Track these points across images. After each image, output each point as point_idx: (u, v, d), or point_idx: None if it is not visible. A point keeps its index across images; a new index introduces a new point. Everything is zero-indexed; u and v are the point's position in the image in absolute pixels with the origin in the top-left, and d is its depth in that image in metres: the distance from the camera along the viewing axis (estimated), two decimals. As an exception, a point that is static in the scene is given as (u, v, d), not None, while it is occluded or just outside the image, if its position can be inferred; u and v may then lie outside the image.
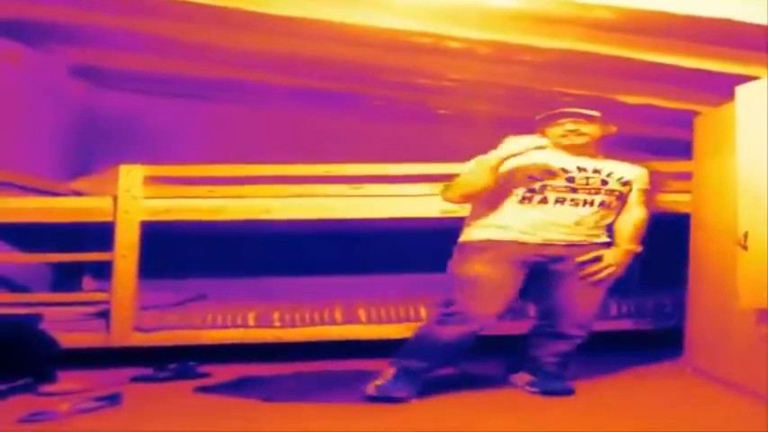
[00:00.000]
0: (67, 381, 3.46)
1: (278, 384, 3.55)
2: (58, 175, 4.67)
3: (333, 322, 4.05)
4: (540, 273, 3.33)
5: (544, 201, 3.26)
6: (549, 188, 3.26)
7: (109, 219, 3.95)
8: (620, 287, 3.44)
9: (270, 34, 3.85)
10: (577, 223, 3.29)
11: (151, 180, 4.05)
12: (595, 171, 3.33)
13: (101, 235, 4.02)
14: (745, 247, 3.05)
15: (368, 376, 3.24)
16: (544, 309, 3.46)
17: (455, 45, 3.62)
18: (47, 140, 4.78)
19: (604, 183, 3.32)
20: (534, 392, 3.28)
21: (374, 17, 3.45)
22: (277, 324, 4.04)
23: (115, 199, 3.95)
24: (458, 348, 3.22)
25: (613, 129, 3.43)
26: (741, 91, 3.15)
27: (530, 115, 3.44)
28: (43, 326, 3.72)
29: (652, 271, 4.71)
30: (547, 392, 3.24)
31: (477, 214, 3.37)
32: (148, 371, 3.77)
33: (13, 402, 3.24)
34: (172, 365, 3.78)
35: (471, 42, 3.57)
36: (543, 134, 3.37)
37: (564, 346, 3.35)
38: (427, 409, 3.04)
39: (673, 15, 2.98)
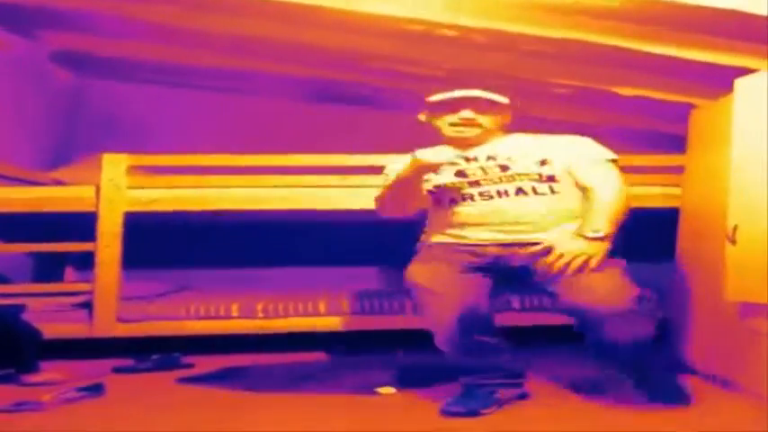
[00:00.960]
0: (50, 371, 3.43)
1: (262, 375, 3.53)
2: (41, 164, 4.62)
3: (317, 313, 4.02)
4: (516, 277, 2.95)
5: (452, 201, 2.95)
6: (445, 187, 2.95)
7: (91, 209, 3.89)
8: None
9: (259, 20, 3.77)
10: (503, 218, 2.87)
11: (135, 169, 4.00)
12: (489, 158, 2.94)
13: (83, 225, 3.96)
14: (733, 241, 3.04)
15: (351, 367, 3.22)
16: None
17: (449, 33, 3.55)
18: (28, 129, 4.70)
19: (505, 168, 2.90)
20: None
21: (365, 3, 3.39)
22: (260, 315, 4.01)
23: (98, 188, 3.90)
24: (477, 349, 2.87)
25: (508, 118, 3.05)
26: (740, 84, 3.12)
27: (522, 106, 3.25)
28: (25, 316, 3.67)
29: (636, 263, 4.73)
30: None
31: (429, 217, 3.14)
32: (131, 362, 3.74)
33: (-5, 392, 3.21)
34: (154, 356, 3.75)
35: (465, 30, 3.49)
36: (431, 120, 3.04)
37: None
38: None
39: (671, 5, 2.94)
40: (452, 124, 2.98)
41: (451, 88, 2.99)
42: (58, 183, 4.25)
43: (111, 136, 4.76)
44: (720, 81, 3.27)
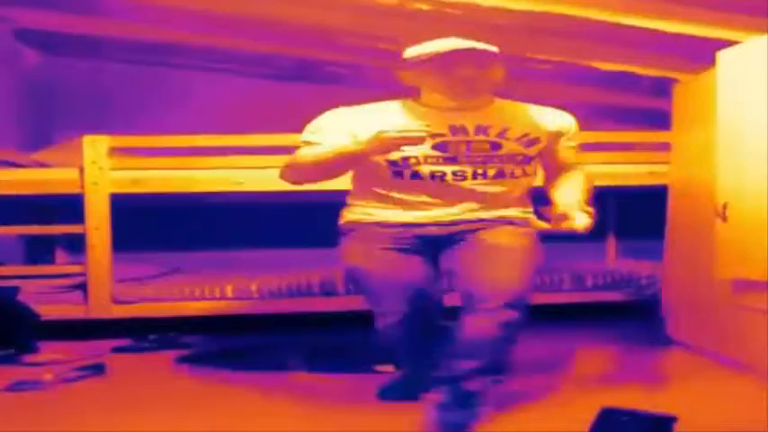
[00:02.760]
0: (50, 351, 3.46)
1: (259, 355, 3.55)
2: (18, 146, 4.54)
3: (311, 293, 4.06)
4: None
5: (416, 175, 2.50)
6: (414, 160, 2.49)
7: (77, 191, 3.88)
8: (595, 258, 3.34)
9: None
10: (468, 202, 2.55)
11: (117, 151, 3.98)
12: (480, 129, 2.51)
13: (71, 208, 3.97)
14: (724, 218, 3.07)
15: (345, 349, 3.25)
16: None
17: (423, 7, 3.48)
18: (2, 110, 4.61)
19: (496, 146, 2.52)
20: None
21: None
22: (255, 296, 4.04)
23: (81, 170, 3.89)
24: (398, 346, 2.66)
25: (501, 73, 2.55)
26: (723, 56, 3.09)
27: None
28: (20, 298, 3.70)
29: (628, 242, 4.81)
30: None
31: (352, 191, 2.74)
32: (128, 342, 3.77)
33: (-4, 372, 3.24)
34: (152, 336, 3.79)
35: (439, 4, 3.44)
36: (417, 80, 2.56)
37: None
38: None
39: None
40: (451, 85, 2.48)
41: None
42: (41, 165, 4.22)
43: (85, 116, 4.73)
44: (702, 54, 3.23)
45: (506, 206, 2.60)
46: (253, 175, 3.94)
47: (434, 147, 2.48)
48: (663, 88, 3.83)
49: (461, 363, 2.38)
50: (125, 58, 5.08)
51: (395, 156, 2.48)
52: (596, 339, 3.74)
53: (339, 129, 2.55)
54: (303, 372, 3.22)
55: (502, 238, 2.55)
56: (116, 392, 2.94)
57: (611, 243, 4.97)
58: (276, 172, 3.60)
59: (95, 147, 3.89)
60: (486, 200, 2.56)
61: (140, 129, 4.21)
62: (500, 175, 2.54)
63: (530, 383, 2.89)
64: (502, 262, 2.47)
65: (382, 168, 2.52)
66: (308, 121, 2.67)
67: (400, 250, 2.55)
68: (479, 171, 2.52)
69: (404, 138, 2.36)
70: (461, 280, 2.52)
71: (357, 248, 2.63)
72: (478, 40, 2.42)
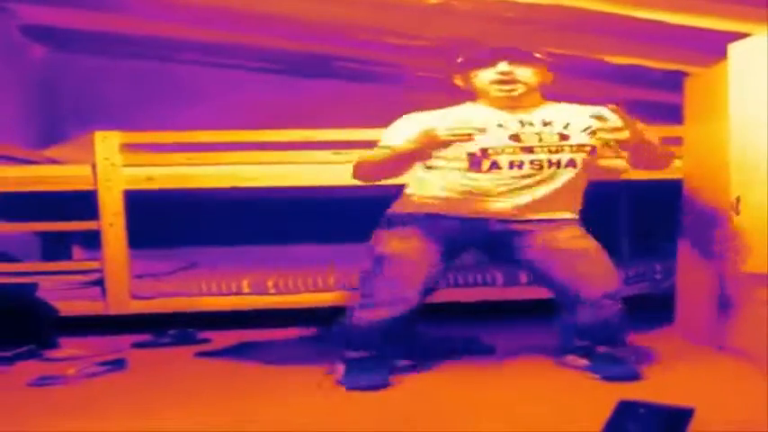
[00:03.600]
0: (71, 347, 3.51)
1: (276, 350, 3.58)
2: (28, 142, 4.60)
3: (327, 289, 4.09)
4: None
5: (496, 165, 2.78)
6: (493, 150, 2.77)
7: (90, 187, 3.90)
8: (610, 253, 3.37)
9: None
10: (537, 194, 2.84)
11: (128, 147, 4.00)
12: (546, 124, 2.84)
13: (87, 203, 3.99)
14: (737, 212, 3.08)
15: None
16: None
17: (431, 1, 3.44)
18: (10, 106, 4.62)
19: (564, 137, 2.82)
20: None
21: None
22: (272, 291, 4.08)
23: (94, 167, 3.91)
24: (384, 335, 2.83)
25: (550, 77, 2.94)
26: (734, 49, 3.10)
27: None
28: (39, 295, 3.75)
29: (642, 237, 4.81)
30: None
31: (409, 183, 3.02)
32: (148, 337, 3.82)
33: (19, 368, 3.29)
34: (171, 332, 3.84)
35: None
36: (465, 82, 2.92)
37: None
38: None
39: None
40: (493, 82, 2.82)
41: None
42: (53, 161, 4.26)
43: (93, 113, 4.79)
44: (713, 47, 3.23)
45: (565, 208, 2.92)
46: (268, 171, 3.97)
47: (510, 138, 2.77)
48: (672, 82, 3.82)
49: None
50: (133, 53, 5.11)
51: (473, 148, 2.73)
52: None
53: (410, 132, 2.76)
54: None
55: (579, 243, 2.89)
56: (138, 386, 2.97)
57: (625, 238, 4.98)
58: (289, 168, 3.93)
59: (107, 143, 3.90)
60: (547, 199, 2.84)
61: (149, 125, 4.21)
62: (572, 164, 2.82)
63: (544, 374, 2.95)
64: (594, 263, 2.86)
65: (460, 160, 2.77)
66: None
67: (431, 241, 2.83)
68: (554, 160, 2.79)
69: (452, 134, 2.58)
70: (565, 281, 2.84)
71: (396, 236, 2.88)
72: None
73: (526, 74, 2.83)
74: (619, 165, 3.04)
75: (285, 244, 5.04)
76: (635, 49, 3.74)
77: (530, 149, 2.78)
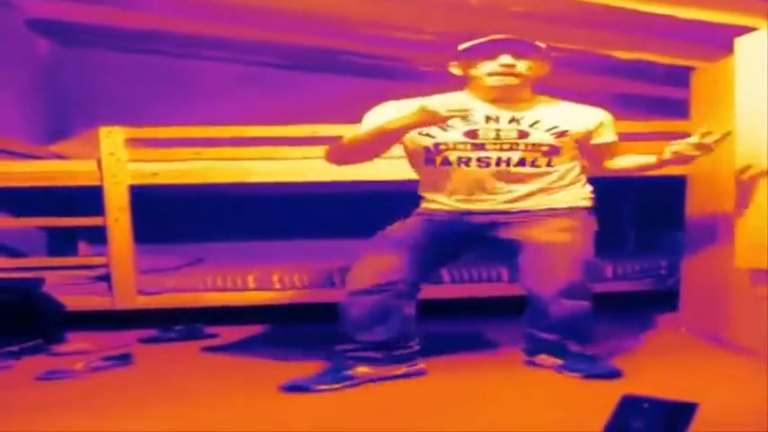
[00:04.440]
0: (77, 341, 3.52)
1: (282, 345, 3.57)
2: (34, 137, 4.59)
3: (332, 284, 4.10)
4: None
5: (446, 162, 2.79)
6: (445, 146, 2.77)
7: (96, 182, 3.90)
8: (616, 249, 3.36)
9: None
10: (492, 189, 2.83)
11: (133, 142, 3.99)
12: (512, 120, 2.78)
13: (93, 198, 4.00)
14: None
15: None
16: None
17: None
18: (16, 101, 4.61)
19: (524, 135, 2.78)
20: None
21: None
22: (277, 286, 4.09)
23: (99, 162, 3.90)
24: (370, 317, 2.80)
25: (547, 69, 2.88)
26: (741, 43, 3.09)
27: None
28: (45, 289, 3.76)
29: (647, 232, 4.81)
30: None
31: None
32: (154, 333, 3.82)
33: (27, 362, 3.30)
34: (178, 327, 3.84)
35: None
36: (464, 70, 2.84)
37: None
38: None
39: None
40: (492, 73, 2.75)
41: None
42: (59, 157, 4.26)
43: (99, 108, 4.75)
44: (720, 41, 3.22)
45: (559, 200, 2.89)
46: (274, 166, 3.97)
47: (466, 134, 2.75)
48: (677, 76, 3.82)
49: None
50: (138, 48, 5.10)
51: (428, 142, 2.75)
52: (614, 330, 3.69)
53: (387, 118, 2.72)
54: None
55: (551, 236, 2.82)
56: (145, 382, 2.98)
57: (631, 234, 4.99)
58: (294, 163, 3.90)
59: (112, 138, 3.89)
60: (510, 190, 2.82)
61: (154, 120, 4.21)
62: (521, 163, 2.78)
63: (548, 372, 2.94)
64: (554, 260, 2.80)
65: (418, 154, 2.82)
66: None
67: (420, 229, 2.87)
68: (503, 158, 2.76)
69: (449, 109, 2.52)
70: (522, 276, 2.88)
71: (397, 226, 2.91)
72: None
73: (525, 67, 2.77)
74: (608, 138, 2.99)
75: (291, 239, 5.05)
76: (641, 44, 3.72)
77: (481, 146, 2.76)
